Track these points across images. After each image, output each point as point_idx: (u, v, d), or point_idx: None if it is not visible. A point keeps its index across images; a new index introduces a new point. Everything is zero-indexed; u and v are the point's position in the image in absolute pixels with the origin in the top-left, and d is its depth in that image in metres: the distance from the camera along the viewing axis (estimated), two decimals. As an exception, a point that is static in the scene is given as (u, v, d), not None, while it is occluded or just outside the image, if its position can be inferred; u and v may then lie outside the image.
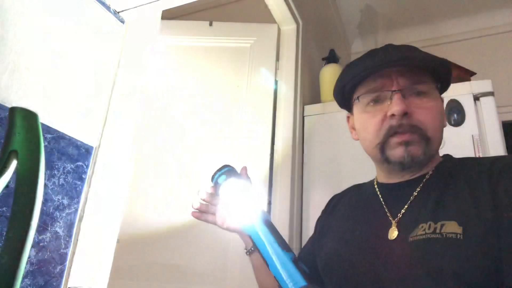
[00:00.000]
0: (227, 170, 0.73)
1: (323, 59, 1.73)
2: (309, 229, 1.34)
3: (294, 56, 1.56)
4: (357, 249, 0.67)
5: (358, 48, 2.45)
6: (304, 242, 1.34)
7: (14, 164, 0.39)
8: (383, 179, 0.76)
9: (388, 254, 0.62)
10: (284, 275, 0.56)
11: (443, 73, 0.72)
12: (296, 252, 0.71)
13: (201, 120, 1.52)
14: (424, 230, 0.59)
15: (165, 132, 1.51)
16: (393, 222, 0.65)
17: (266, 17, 1.59)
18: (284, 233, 1.28)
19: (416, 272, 0.56)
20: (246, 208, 0.66)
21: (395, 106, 0.66)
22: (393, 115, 0.66)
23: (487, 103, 1.22)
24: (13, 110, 0.41)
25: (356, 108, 0.76)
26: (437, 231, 0.57)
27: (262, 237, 0.60)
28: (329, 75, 1.64)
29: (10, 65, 0.54)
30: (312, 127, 1.51)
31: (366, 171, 1.33)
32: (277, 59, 1.59)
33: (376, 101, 0.71)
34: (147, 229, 1.37)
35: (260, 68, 1.57)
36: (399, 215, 0.65)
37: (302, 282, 0.55)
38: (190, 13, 2.13)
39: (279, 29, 1.63)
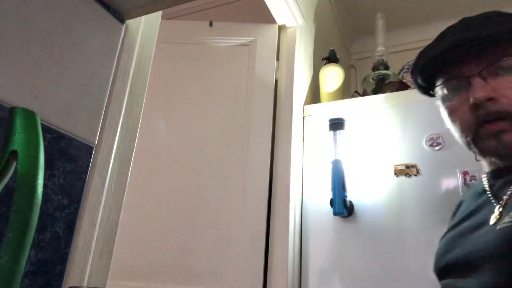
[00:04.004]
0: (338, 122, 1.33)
1: (323, 59, 1.73)
2: (308, 230, 1.34)
3: (294, 56, 1.56)
4: (462, 238, 0.61)
5: (358, 48, 2.45)
6: (303, 243, 1.34)
7: (14, 164, 0.39)
8: (488, 167, 0.68)
9: (484, 240, 0.55)
10: (336, 199, 1.24)
11: None
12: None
13: (201, 120, 1.52)
14: None
15: (165, 131, 1.50)
16: (497, 206, 0.58)
17: (266, 17, 1.59)
18: (282, 233, 1.28)
19: (497, 263, 0.51)
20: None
21: (475, 93, 0.58)
22: (475, 104, 0.58)
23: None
24: (13, 110, 0.41)
25: (439, 99, 0.68)
26: None
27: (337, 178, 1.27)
28: (329, 75, 1.64)
29: (10, 64, 0.54)
30: (312, 127, 1.51)
31: (366, 170, 1.33)
32: (277, 59, 1.59)
33: (457, 89, 0.63)
34: (147, 229, 1.37)
35: (260, 68, 1.56)
36: (504, 199, 0.58)
37: (343, 211, 1.24)
38: (190, 13, 2.13)
39: (279, 29, 1.63)
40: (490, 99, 0.58)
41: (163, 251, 1.34)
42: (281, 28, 1.63)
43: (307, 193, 1.41)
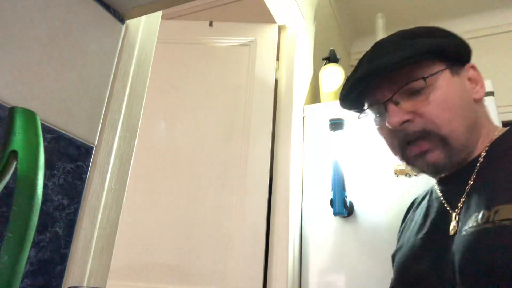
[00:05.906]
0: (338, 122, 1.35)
1: (323, 59, 1.73)
2: (308, 230, 1.34)
3: (294, 56, 1.56)
4: (420, 250, 0.61)
5: (358, 48, 2.45)
6: (303, 243, 1.34)
7: (14, 164, 0.39)
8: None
9: (446, 251, 0.55)
10: (336, 199, 1.24)
11: (447, 48, 0.62)
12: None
13: (201, 120, 1.52)
14: (476, 220, 0.51)
15: (165, 131, 1.50)
16: (454, 214, 0.58)
17: (266, 17, 1.59)
18: (282, 233, 1.28)
19: (468, 270, 0.49)
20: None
21: (389, 119, 0.60)
22: (391, 129, 0.61)
23: (487, 103, 1.22)
24: (13, 110, 0.41)
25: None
26: (490, 219, 0.49)
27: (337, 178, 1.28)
28: (329, 75, 1.64)
29: (10, 64, 0.54)
30: (312, 127, 1.51)
31: (366, 170, 1.33)
32: (277, 59, 1.59)
33: (378, 113, 0.65)
34: (146, 229, 1.37)
35: (260, 68, 1.57)
36: (459, 206, 0.58)
37: (343, 211, 1.24)
38: (190, 13, 2.13)
39: (279, 29, 1.62)
40: (406, 121, 0.59)
41: (163, 251, 1.34)
42: (281, 28, 1.63)
43: (307, 193, 1.41)
